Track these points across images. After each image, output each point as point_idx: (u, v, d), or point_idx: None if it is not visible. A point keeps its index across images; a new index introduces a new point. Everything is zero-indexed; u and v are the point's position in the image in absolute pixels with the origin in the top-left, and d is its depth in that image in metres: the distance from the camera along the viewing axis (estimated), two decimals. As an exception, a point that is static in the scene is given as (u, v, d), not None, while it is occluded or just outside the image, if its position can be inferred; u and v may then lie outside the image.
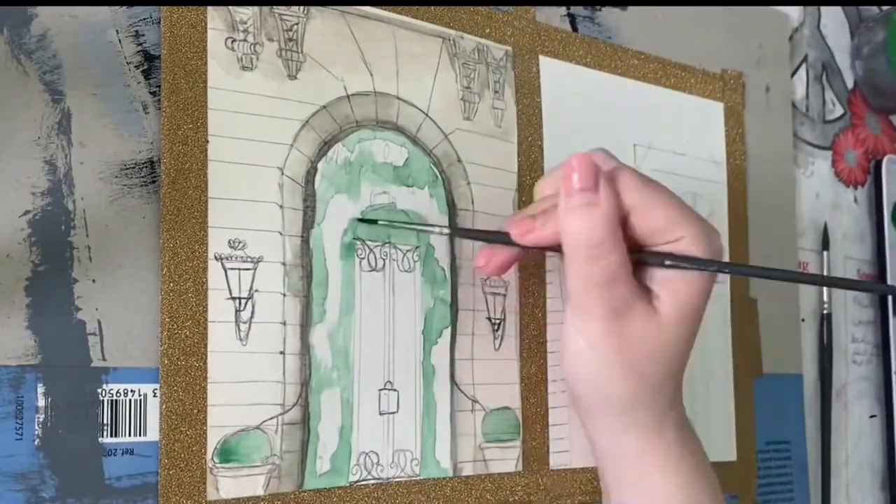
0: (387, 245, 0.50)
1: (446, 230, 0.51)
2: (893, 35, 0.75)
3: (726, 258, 0.65)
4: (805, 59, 0.76)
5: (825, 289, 0.72)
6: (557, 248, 0.46)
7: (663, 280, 0.46)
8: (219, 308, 0.45)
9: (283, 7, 0.48)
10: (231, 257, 0.46)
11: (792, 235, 0.71)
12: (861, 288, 0.76)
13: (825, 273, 0.72)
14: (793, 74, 0.74)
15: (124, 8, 0.45)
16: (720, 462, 0.62)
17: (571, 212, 0.44)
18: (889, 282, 0.75)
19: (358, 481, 0.48)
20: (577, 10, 0.60)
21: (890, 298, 0.75)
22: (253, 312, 0.46)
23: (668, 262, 0.45)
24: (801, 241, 0.72)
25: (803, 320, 0.71)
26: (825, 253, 0.73)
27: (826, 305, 0.72)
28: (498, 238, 0.48)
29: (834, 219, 0.75)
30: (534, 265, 0.55)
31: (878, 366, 0.76)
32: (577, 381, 0.47)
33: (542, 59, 0.57)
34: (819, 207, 0.74)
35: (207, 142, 0.45)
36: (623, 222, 0.45)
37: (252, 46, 0.47)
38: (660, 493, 0.47)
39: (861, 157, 0.78)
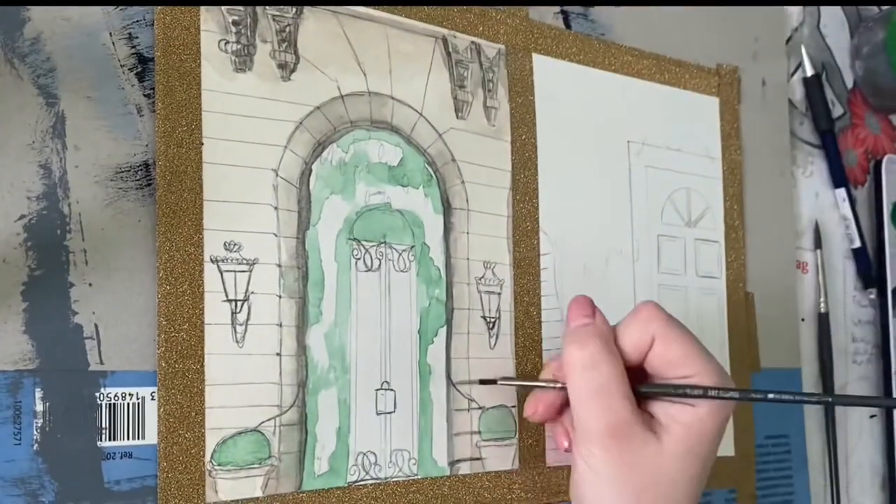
0: (382, 245, 0.50)
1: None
2: (893, 35, 0.75)
3: (723, 254, 0.65)
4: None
5: (822, 287, 0.72)
6: None
7: (671, 412, 0.46)
8: (215, 310, 0.45)
9: (276, 8, 0.48)
10: (226, 259, 0.46)
11: (790, 231, 0.71)
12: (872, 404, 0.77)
13: (820, 271, 0.72)
14: (792, 74, 0.74)
15: (117, 10, 0.45)
16: (718, 457, 0.62)
17: (569, 333, 0.47)
18: (889, 282, 0.75)
19: (356, 481, 0.48)
20: (571, 7, 0.60)
21: (890, 295, 0.75)
22: (249, 314, 0.46)
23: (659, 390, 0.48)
24: (800, 242, 0.72)
25: (803, 320, 0.71)
26: (818, 251, 0.73)
27: (823, 304, 0.72)
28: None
29: (834, 219, 0.75)
30: (527, 260, 0.55)
31: (878, 366, 0.76)
32: None
33: (536, 57, 0.57)
34: (819, 207, 0.74)
35: (202, 144, 0.45)
36: (645, 353, 0.47)
37: (245, 48, 0.47)
38: None
39: (861, 157, 0.78)
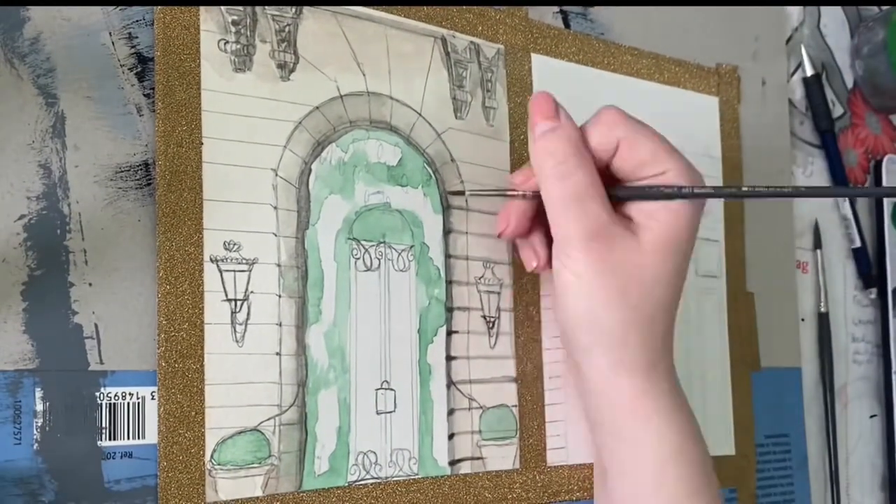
0: (382, 245, 0.50)
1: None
2: (893, 34, 0.75)
3: (723, 253, 0.65)
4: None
5: (822, 287, 0.72)
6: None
7: (646, 210, 0.47)
8: (215, 310, 0.45)
9: (275, 8, 0.48)
10: (226, 259, 0.46)
11: (789, 230, 0.71)
12: (850, 194, 0.75)
13: (820, 272, 0.73)
14: (792, 74, 0.74)
15: (117, 10, 0.45)
16: (718, 456, 0.62)
17: (537, 141, 0.47)
18: (889, 282, 0.75)
19: (356, 481, 0.48)
20: (570, 7, 0.60)
21: (890, 295, 0.75)
22: (249, 314, 0.46)
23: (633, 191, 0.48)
24: (801, 241, 0.72)
25: (803, 320, 0.71)
26: (818, 251, 0.73)
27: (823, 304, 0.72)
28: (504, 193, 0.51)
29: (834, 218, 0.75)
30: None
31: (878, 366, 0.76)
32: (566, 318, 0.47)
33: (535, 57, 0.57)
34: (819, 207, 0.74)
35: (202, 144, 0.45)
36: (611, 156, 0.48)
37: (245, 48, 0.47)
38: (652, 443, 0.47)
39: (861, 157, 0.78)
